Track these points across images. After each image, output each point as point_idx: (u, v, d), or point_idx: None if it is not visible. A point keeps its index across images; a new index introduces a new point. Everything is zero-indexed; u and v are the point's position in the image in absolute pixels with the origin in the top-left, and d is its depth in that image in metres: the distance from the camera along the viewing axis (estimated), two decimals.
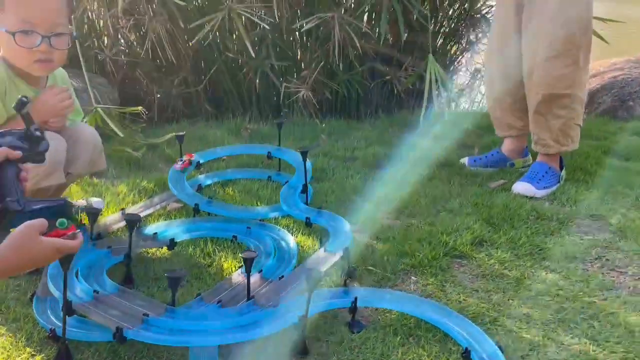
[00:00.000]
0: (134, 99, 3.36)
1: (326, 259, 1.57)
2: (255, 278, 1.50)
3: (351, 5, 3.24)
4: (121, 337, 1.21)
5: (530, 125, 2.30)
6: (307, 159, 2.06)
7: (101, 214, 1.94)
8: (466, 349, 1.27)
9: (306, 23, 2.99)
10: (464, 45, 3.89)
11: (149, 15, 3.10)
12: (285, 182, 2.13)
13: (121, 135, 2.55)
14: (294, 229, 1.87)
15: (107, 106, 2.74)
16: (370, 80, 3.48)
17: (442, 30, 3.77)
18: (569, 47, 2.13)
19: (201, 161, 2.26)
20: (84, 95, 2.84)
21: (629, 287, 1.59)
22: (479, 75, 3.90)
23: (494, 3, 3.36)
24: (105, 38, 3.40)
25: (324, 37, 3.22)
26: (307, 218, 1.85)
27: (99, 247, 1.63)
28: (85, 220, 1.80)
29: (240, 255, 1.65)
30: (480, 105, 3.93)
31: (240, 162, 2.51)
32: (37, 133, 1.25)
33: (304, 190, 2.02)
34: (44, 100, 1.67)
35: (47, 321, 1.34)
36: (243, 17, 3.04)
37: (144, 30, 3.17)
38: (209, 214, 1.93)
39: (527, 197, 2.17)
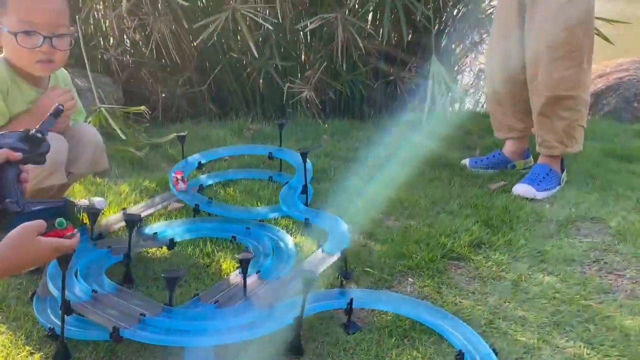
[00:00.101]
0: (139, 98, 3.38)
1: (323, 260, 1.58)
2: (253, 279, 1.51)
3: (355, 5, 3.24)
4: (118, 336, 1.22)
5: (535, 127, 2.30)
6: (308, 160, 2.07)
7: (102, 213, 1.96)
8: (460, 351, 1.27)
9: (310, 23, 3.00)
10: (468, 45, 3.88)
11: (154, 15, 3.12)
12: (286, 183, 2.14)
13: (123, 137, 2.57)
14: (293, 230, 1.88)
15: (110, 106, 2.75)
16: (374, 80, 3.49)
17: (446, 31, 3.76)
18: (572, 49, 2.13)
19: (203, 161, 2.28)
20: (89, 94, 2.87)
21: (626, 291, 1.59)
22: (483, 76, 3.89)
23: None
24: (111, 38, 3.43)
25: (327, 38, 3.23)
26: (306, 219, 1.86)
27: (99, 247, 1.65)
28: (86, 220, 1.82)
29: (236, 255, 1.66)
30: (484, 105, 3.92)
31: (241, 162, 2.53)
32: (38, 135, 1.27)
33: (304, 191, 2.03)
34: (48, 101, 1.69)
35: (46, 320, 1.35)
36: (247, 18, 3.05)
37: (148, 30, 3.19)
38: (209, 214, 1.94)
39: (527, 199, 2.17)
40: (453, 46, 3.88)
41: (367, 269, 1.65)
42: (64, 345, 1.26)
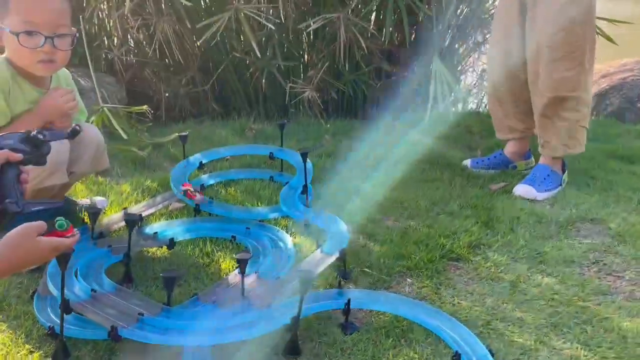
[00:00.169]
0: (142, 98, 3.39)
1: (322, 260, 1.58)
2: (251, 278, 1.52)
3: (358, 5, 3.25)
4: (116, 335, 1.23)
5: (537, 128, 2.30)
6: (309, 160, 2.07)
7: (104, 212, 1.98)
8: (456, 352, 1.28)
9: (313, 23, 3.01)
10: (471, 45, 3.88)
11: (157, 15, 3.13)
12: (286, 183, 2.15)
13: (125, 137, 2.58)
14: (293, 230, 1.89)
15: (113, 105, 2.77)
16: (377, 80, 3.49)
17: (449, 31, 3.76)
18: (574, 50, 2.12)
19: (204, 161, 2.29)
20: (92, 94, 2.88)
21: (625, 292, 1.59)
22: (486, 76, 3.88)
23: None
24: (115, 38, 3.44)
25: (330, 38, 3.24)
26: (305, 219, 1.87)
27: (99, 246, 1.66)
28: (87, 219, 1.83)
29: (234, 256, 1.67)
30: (487, 105, 3.92)
31: (243, 162, 2.53)
32: (39, 136, 1.28)
33: (305, 191, 2.04)
34: (50, 101, 1.70)
35: (46, 319, 1.36)
36: (250, 18, 3.06)
37: (152, 29, 3.20)
38: (209, 214, 1.95)
39: (527, 199, 2.17)
40: (456, 46, 3.88)
41: (366, 270, 1.66)
42: (63, 344, 1.27)
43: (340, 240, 1.68)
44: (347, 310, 1.40)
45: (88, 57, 2.77)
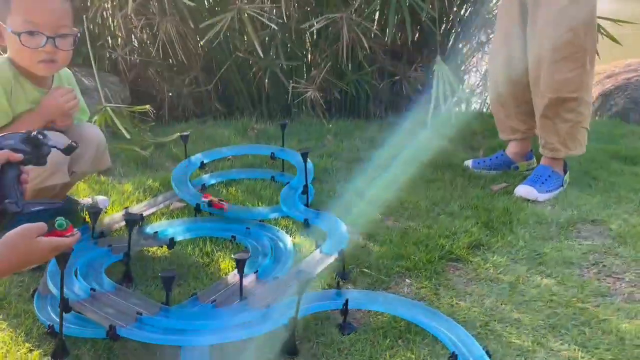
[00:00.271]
0: (146, 97, 3.40)
1: (321, 261, 1.59)
2: (250, 278, 1.52)
3: (361, 5, 3.25)
4: (114, 334, 1.24)
5: (538, 129, 2.29)
6: (310, 160, 2.08)
7: (105, 212, 1.99)
8: (453, 353, 1.28)
9: (316, 23, 3.01)
10: (475, 45, 3.87)
11: (160, 15, 3.14)
12: (287, 183, 2.16)
13: (128, 137, 2.59)
14: (293, 230, 1.89)
15: (116, 105, 2.78)
16: (380, 80, 3.49)
17: (453, 30, 3.76)
18: (575, 51, 2.12)
19: (206, 161, 2.30)
20: (95, 93, 2.89)
21: (624, 294, 1.59)
22: (489, 76, 3.88)
23: None
24: (119, 37, 3.46)
25: (333, 37, 3.24)
26: (305, 219, 1.87)
27: (100, 246, 1.67)
28: (88, 218, 1.84)
29: (232, 256, 1.68)
30: (489, 106, 3.91)
31: (245, 162, 2.54)
32: (39, 136, 1.29)
33: (305, 191, 2.04)
34: (51, 101, 1.71)
35: (46, 317, 1.37)
36: (253, 18, 3.07)
37: (155, 29, 3.21)
38: (210, 214, 1.96)
39: (528, 200, 2.17)
40: (460, 45, 3.87)
41: (365, 270, 1.66)
42: (62, 342, 1.28)
43: (340, 241, 1.68)
44: (345, 311, 1.40)
45: (91, 57, 2.78)
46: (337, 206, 2.06)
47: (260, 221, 1.90)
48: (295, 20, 3.22)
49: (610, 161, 2.61)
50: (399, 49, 3.47)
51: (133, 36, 3.48)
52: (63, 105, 1.72)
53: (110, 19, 3.46)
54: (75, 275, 1.47)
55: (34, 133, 1.26)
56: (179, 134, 2.47)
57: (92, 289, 1.40)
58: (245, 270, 1.45)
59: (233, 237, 1.80)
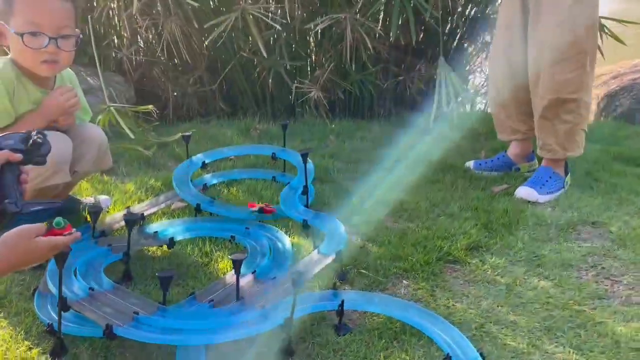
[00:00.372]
0: (151, 97, 3.43)
1: (319, 261, 1.59)
2: (248, 278, 1.54)
3: (365, 5, 3.25)
4: (111, 333, 1.26)
5: (536, 130, 2.29)
6: (311, 161, 2.08)
7: (107, 211, 2.01)
8: (447, 354, 1.28)
9: (321, 22, 3.02)
10: (480, 45, 3.86)
11: (164, 15, 3.16)
12: (287, 183, 2.17)
13: (132, 137, 2.61)
14: (292, 230, 1.90)
15: (119, 105, 2.80)
16: (384, 80, 3.50)
17: (458, 31, 3.75)
18: (576, 52, 2.12)
19: (207, 161, 2.31)
20: (100, 93, 2.92)
21: (622, 297, 1.58)
22: None
23: None
24: (124, 37, 3.48)
25: (337, 38, 3.25)
26: (304, 220, 1.88)
27: (100, 245, 1.69)
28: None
29: (229, 257, 1.69)
30: (489, 107, 3.90)
31: (247, 162, 2.55)
32: (39, 136, 1.30)
33: (305, 191, 2.05)
34: (52, 101, 1.73)
35: (46, 316, 1.38)
36: (257, 18, 3.08)
37: (160, 29, 3.23)
38: (210, 213, 1.97)
39: (529, 202, 2.17)
40: (465, 45, 3.87)
41: (363, 271, 1.67)
42: (60, 340, 1.29)
43: (338, 241, 1.69)
44: (341, 312, 1.41)
45: (96, 57, 2.80)
46: (337, 207, 2.08)
47: (259, 221, 1.91)
48: (299, 20, 3.23)
49: (613, 162, 2.60)
50: (403, 49, 3.47)
51: (138, 36, 3.50)
52: (64, 104, 1.74)
53: (115, 18, 3.49)
54: (75, 275, 1.49)
55: (34, 133, 1.28)
56: (181, 134, 2.49)
57: (91, 288, 1.41)
58: (243, 270, 1.46)
59: (232, 237, 1.81)
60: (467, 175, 2.44)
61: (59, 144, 1.67)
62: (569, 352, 1.35)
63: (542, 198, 2.18)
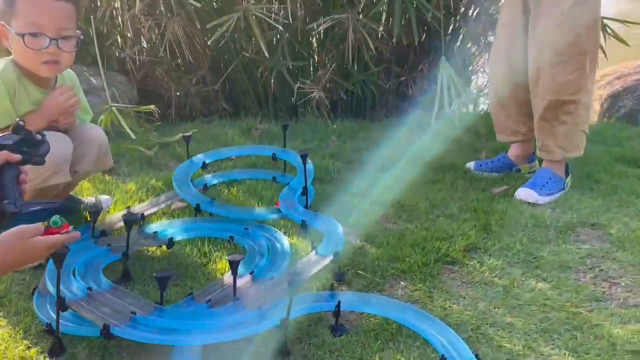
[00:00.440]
0: (153, 97, 3.44)
1: (317, 262, 1.60)
2: (246, 279, 1.54)
3: (368, 5, 3.25)
4: (108, 333, 1.27)
5: (536, 131, 2.29)
6: (311, 161, 2.09)
7: (107, 211, 2.02)
8: (442, 356, 1.29)
9: (323, 23, 3.02)
10: (482, 46, 3.86)
11: (167, 16, 3.17)
12: (287, 184, 2.17)
13: (133, 137, 2.62)
14: (291, 231, 1.91)
15: (121, 105, 2.81)
16: (386, 80, 3.50)
17: (460, 31, 3.75)
18: (576, 53, 2.11)
19: (207, 161, 2.32)
20: (102, 93, 2.93)
21: (619, 299, 1.58)
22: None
23: None
24: (127, 37, 3.50)
25: (339, 38, 3.25)
26: (303, 220, 1.89)
27: (99, 245, 1.70)
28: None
29: (226, 257, 1.69)
30: (489, 108, 3.89)
31: (247, 162, 2.56)
32: (38, 136, 1.32)
33: (304, 192, 2.06)
34: (52, 101, 1.74)
35: (45, 315, 1.39)
36: (259, 18, 3.09)
37: (163, 29, 3.24)
38: (210, 214, 1.98)
39: (529, 203, 2.17)
40: (468, 45, 3.86)
41: (360, 272, 1.67)
42: (59, 340, 1.31)
43: (336, 242, 1.69)
44: (337, 313, 1.42)
45: (98, 57, 2.82)
46: (337, 207, 2.08)
47: (258, 222, 1.92)
48: (301, 20, 3.23)
49: (614, 164, 2.60)
50: (405, 49, 3.47)
51: (141, 36, 3.51)
52: (63, 103, 1.75)
53: (118, 18, 3.50)
54: (74, 274, 1.50)
55: (33, 133, 1.29)
56: (182, 134, 2.50)
57: (89, 288, 1.42)
58: (241, 270, 1.47)
59: (231, 237, 1.82)
60: (468, 175, 2.44)
61: (59, 144, 1.68)
62: (565, 354, 1.35)
63: (542, 199, 2.18)
